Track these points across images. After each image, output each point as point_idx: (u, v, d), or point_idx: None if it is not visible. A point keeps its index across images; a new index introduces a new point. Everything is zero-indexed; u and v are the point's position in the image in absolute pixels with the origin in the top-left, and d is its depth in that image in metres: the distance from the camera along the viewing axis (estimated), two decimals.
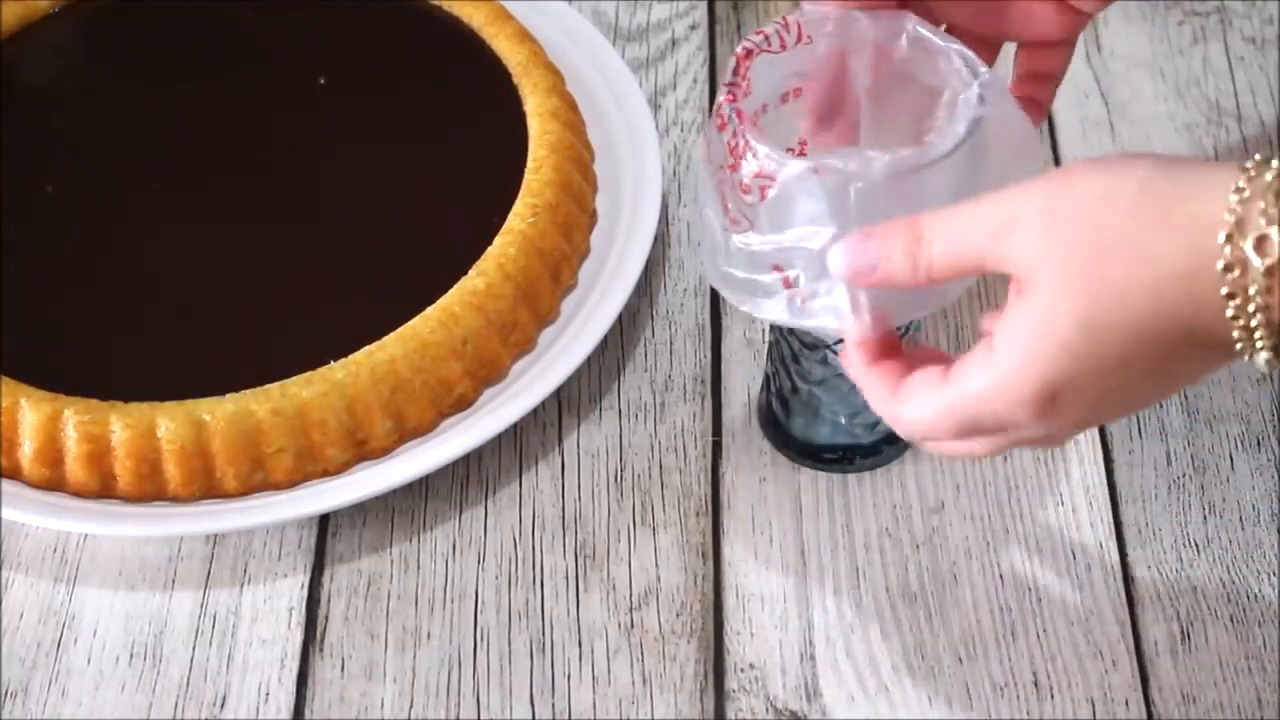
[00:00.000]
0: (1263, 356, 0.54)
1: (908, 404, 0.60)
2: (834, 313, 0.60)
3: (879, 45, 0.63)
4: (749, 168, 0.60)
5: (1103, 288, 0.54)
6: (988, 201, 0.56)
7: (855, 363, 0.62)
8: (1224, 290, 0.53)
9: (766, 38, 0.63)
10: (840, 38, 0.63)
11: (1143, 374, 0.56)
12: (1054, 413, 0.56)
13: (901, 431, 0.61)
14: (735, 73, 0.62)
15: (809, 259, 0.60)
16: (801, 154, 0.62)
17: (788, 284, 0.61)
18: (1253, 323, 0.53)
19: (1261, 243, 0.52)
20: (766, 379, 0.75)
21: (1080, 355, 0.55)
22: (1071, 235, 0.54)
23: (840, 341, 0.69)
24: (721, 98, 0.62)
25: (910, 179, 0.59)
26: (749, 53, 0.62)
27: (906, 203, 0.58)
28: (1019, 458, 0.74)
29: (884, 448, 0.74)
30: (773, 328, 0.73)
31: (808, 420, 0.74)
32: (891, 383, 0.60)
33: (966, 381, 0.57)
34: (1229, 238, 0.52)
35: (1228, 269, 0.52)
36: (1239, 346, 0.54)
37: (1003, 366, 0.56)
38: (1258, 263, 0.52)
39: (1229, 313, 0.53)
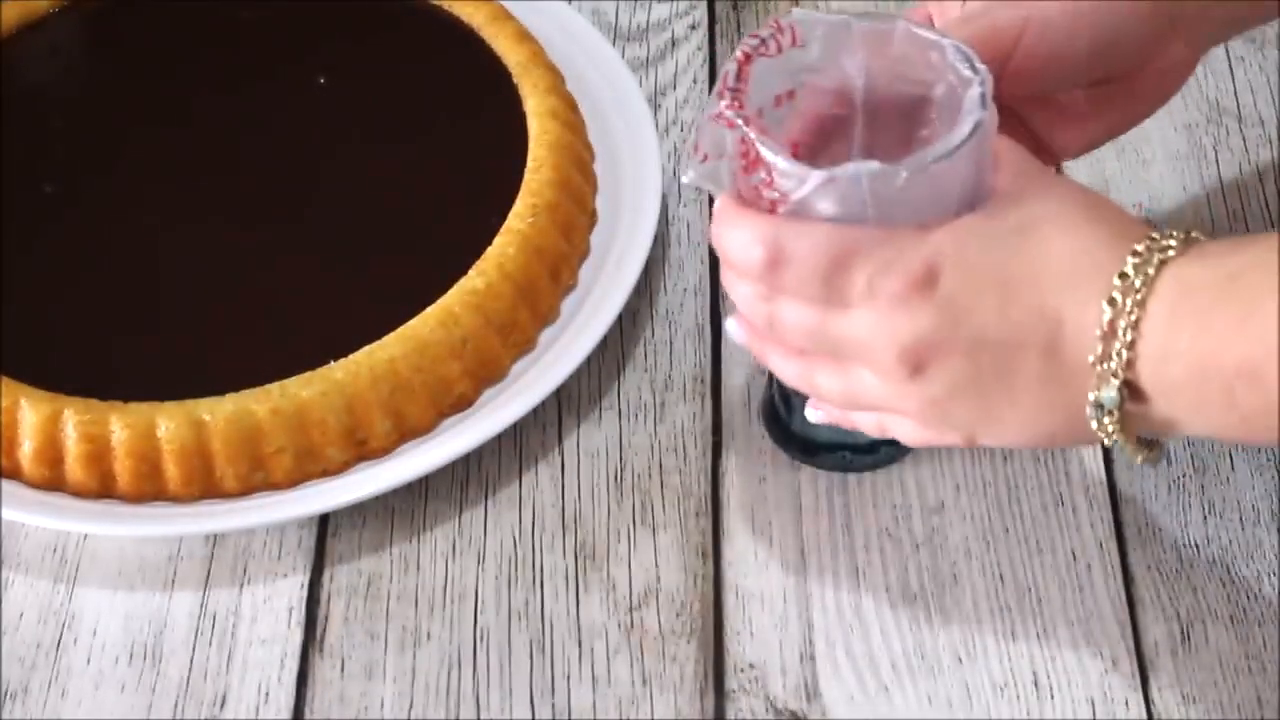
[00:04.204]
0: (1108, 394, 0.58)
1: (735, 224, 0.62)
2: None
3: (871, 44, 0.63)
4: (761, 177, 0.60)
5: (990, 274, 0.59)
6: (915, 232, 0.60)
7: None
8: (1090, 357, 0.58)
9: (763, 41, 0.63)
10: (833, 40, 0.63)
11: (1001, 363, 0.59)
12: (920, 367, 0.60)
13: (722, 257, 0.63)
14: (738, 78, 0.62)
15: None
16: (795, 153, 0.62)
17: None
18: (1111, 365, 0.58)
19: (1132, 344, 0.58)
20: (770, 375, 0.75)
21: (952, 296, 0.59)
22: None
23: None
24: (723, 104, 0.61)
25: (920, 179, 0.59)
26: (749, 57, 0.62)
27: (918, 203, 0.59)
28: (1019, 457, 0.74)
29: (883, 447, 0.74)
30: None
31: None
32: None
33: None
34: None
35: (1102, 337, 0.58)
36: (1097, 369, 0.58)
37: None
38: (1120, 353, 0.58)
39: (1090, 358, 0.58)
